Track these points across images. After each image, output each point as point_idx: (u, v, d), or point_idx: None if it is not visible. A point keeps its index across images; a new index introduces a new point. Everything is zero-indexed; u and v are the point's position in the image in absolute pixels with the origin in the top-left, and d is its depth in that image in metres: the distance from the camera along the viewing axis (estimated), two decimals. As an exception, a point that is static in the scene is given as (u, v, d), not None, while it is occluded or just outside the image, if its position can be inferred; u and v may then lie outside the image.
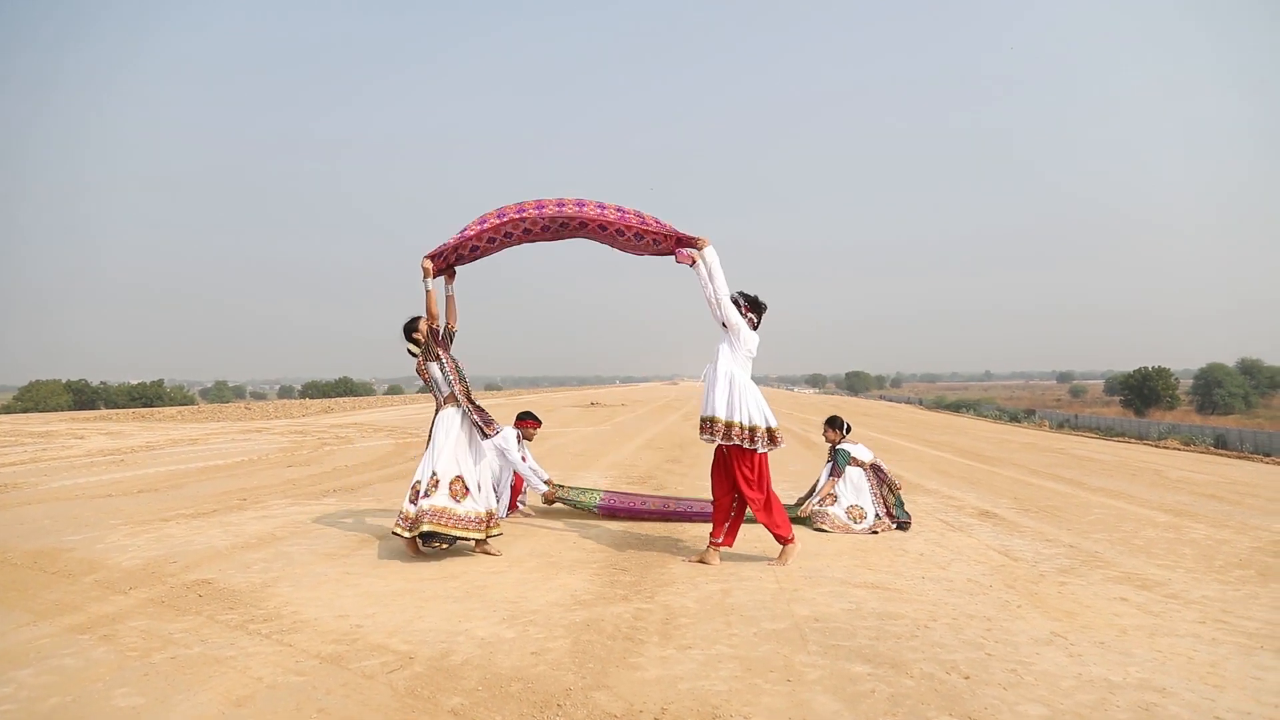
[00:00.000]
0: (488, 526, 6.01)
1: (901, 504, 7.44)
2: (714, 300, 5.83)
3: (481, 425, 6.06)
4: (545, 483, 7.45)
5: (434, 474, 5.92)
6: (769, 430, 5.74)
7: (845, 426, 7.82)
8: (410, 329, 6.23)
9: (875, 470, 7.55)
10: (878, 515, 7.27)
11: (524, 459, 7.50)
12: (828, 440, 7.82)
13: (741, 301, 5.94)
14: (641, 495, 8.09)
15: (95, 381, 63.76)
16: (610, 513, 7.68)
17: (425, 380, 6.22)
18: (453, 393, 6.13)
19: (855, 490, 7.43)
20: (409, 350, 6.26)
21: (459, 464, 5.99)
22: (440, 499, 5.84)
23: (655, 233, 6.07)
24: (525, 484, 7.65)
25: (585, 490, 7.91)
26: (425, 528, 5.74)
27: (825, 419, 7.97)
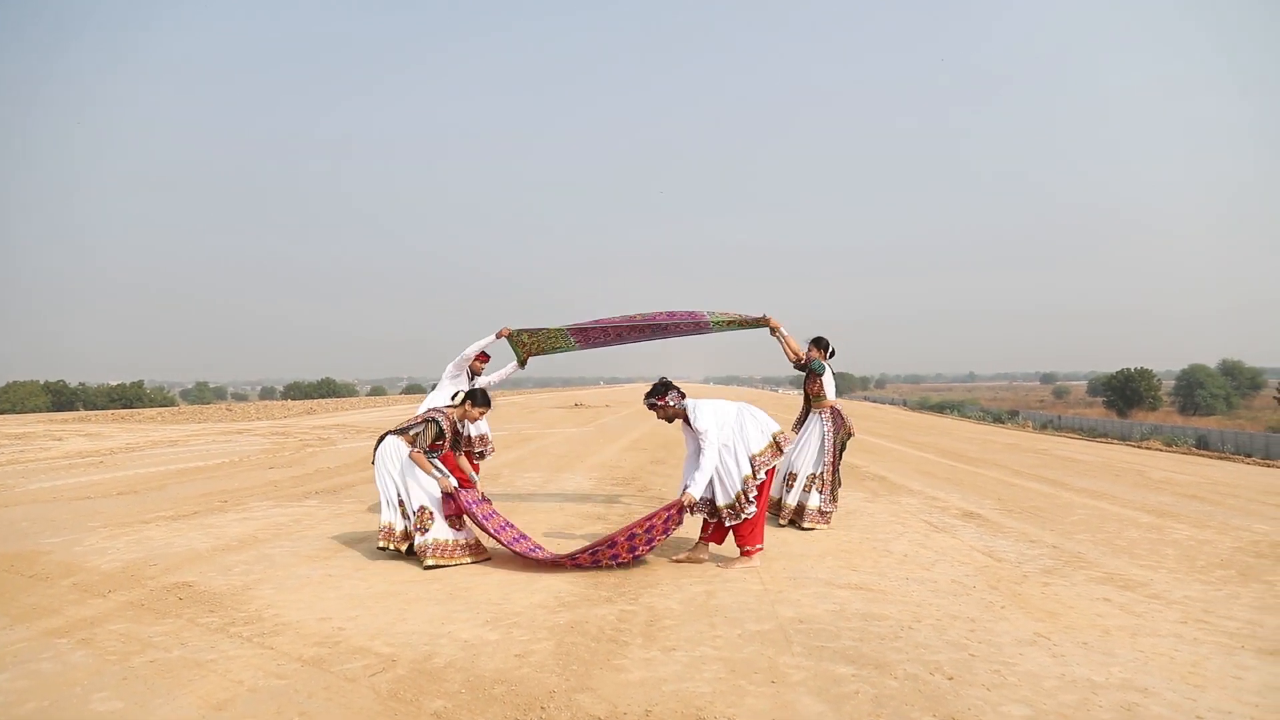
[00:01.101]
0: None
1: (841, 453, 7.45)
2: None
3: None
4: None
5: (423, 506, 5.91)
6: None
7: (830, 350, 7.56)
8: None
9: (835, 416, 7.42)
10: (821, 484, 7.22)
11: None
12: (800, 363, 7.51)
13: (655, 400, 6.12)
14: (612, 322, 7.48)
15: (74, 382, 63.23)
16: (583, 338, 7.53)
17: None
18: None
19: (810, 447, 7.35)
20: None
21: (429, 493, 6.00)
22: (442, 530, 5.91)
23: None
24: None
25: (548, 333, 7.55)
26: (429, 561, 5.76)
27: (811, 339, 7.61)
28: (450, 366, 7.53)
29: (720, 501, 5.86)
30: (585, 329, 7.42)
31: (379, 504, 6.19)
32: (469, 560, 5.89)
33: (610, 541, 5.66)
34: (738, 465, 5.84)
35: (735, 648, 4.11)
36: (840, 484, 7.52)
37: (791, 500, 7.31)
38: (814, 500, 7.21)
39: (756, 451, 5.88)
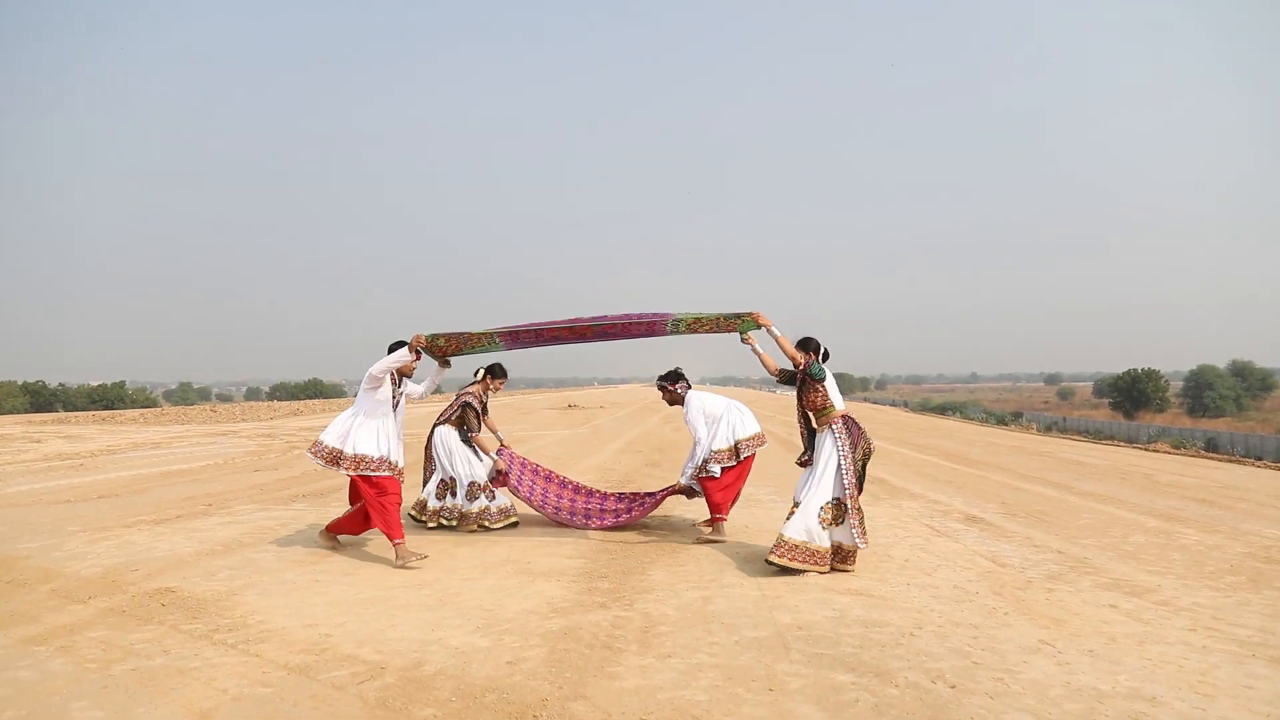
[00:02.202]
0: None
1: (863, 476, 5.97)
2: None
3: None
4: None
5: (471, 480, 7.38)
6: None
7: (823, 352, 6.06)
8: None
9: (849, 425, 5.97)
10: (847, 513, 5.67)
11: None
12: (798, 367, 6.04)
13: (667, 384, 7.38)
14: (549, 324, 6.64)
15: (53, 383, 63.07)
16: (512, 339, 6.69)
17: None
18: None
19: (827, 473, 5.84)
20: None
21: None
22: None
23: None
24: None
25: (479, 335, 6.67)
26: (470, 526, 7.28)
27: (798, 342, 6.10)
28: (366, 381, 6.34)
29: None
30: (516, 331, 6.62)
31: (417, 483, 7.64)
32: (502, 525, 7.33)
33: (628, 509, 7.49)
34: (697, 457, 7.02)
35: (732, 655, 4.11)
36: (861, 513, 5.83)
37: (817, 542, 5.71)
38: (846, 535, 5.76)
39: (715, 449, 6.94)
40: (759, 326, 6.15)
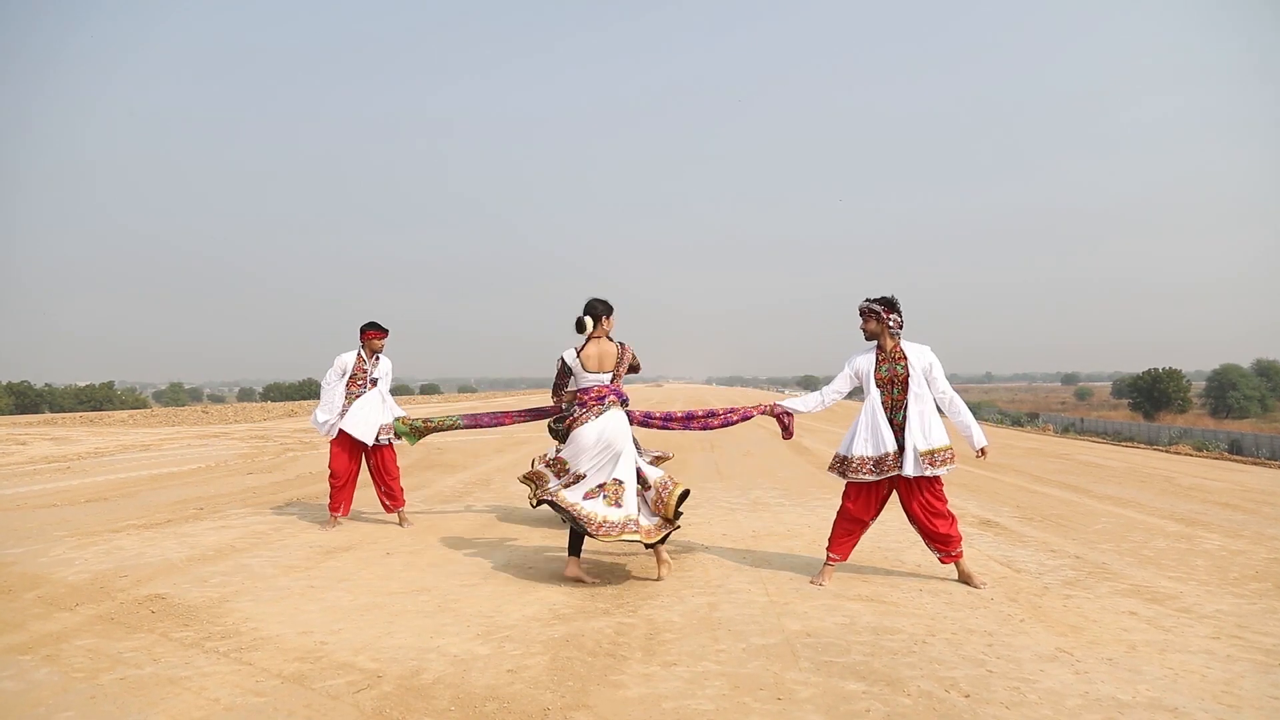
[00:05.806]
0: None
1: None
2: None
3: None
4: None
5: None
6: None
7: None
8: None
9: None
10: None
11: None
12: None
13: (880, 310, 5.65)
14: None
15: (39, 383, 63.24)
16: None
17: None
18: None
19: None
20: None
21: None
22: None
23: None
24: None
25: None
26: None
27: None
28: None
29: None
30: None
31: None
32: None
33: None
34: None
35: (739, 663, 4.11)
36: None
37: None
38: None
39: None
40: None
